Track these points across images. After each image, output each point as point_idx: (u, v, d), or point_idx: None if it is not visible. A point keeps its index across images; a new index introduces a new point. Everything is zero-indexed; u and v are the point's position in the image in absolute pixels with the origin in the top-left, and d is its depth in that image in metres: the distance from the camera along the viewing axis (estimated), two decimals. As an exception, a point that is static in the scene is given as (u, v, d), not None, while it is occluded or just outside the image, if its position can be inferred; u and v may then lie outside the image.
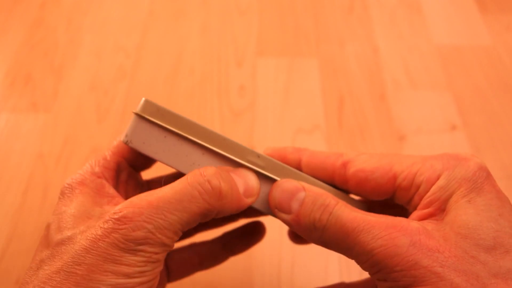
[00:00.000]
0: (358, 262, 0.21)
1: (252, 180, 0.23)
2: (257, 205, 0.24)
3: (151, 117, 0.23)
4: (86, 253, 0.20)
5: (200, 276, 0.38)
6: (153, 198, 0.21)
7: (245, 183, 0.23)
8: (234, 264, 0.39)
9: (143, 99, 0.24)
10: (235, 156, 0.24)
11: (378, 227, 0.20)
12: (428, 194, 0.21)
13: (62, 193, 0.24)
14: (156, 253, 0.21)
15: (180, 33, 0.56)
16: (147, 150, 0.24)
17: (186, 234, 0.30)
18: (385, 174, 0.23)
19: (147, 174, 0.29)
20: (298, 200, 0.22)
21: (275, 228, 0.40)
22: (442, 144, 0.47)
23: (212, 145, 0.24)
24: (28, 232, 0.40)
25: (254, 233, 0.29)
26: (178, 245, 0.28)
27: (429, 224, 0.20)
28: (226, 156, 0.23)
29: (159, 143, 0.24)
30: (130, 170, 0.27)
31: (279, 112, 0.49)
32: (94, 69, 0.52)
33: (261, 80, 0.52)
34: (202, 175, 0.22)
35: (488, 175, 0.21)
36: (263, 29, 0.57)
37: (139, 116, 0.23)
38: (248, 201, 0.23)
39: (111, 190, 0.24)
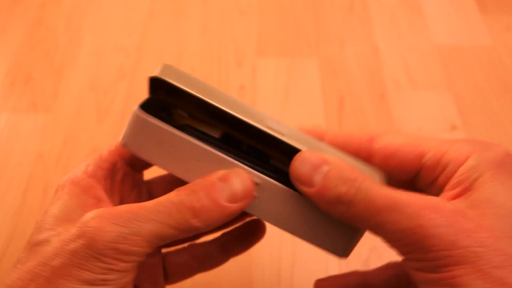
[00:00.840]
0: (387, 240, 0.20)
1: (237, 185, 0.22)
2: (259, 207, 0.23)
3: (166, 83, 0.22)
4: (54, 256, 0.20)
5: (200, 275, 0.38)
6: (128, 208, 0.21)
7: (230, 189, 0.22)
8: (234, 264, 0.39)
9: (162, 64, 0.23)
10: (254, 122, 0.23)
11: (412, 207, 0.19)
12: (457, 174, 0.21)
13: (55, 191, 0.24)
14: (123, 261, 0.20)
15: (180, 33, 0.56)
16: (142, 154, 0.23)
17: (192, 238, 0.30)
18: (412, 150, 0.23)
19: (149, 174, 0.28)
20: (321, 173, 0.21)
21: (275, 228, 0.40)
22: (442, 144, 0.47)
23: (232, 110, 0.23)
24: (28, 232, 0.40)
25: (253, 233, 0.28)
26: (175, 247, 0.29)
27: (461, 204, 0.20)
28: (223, 156, 0.23)
29: (155, 147, 0.23)
30: (127, 170, 0.26)
31: (279, 112, 0.49)
32: (94, 69, 0.52)
33: (261, 80, 0.52)
34: (178, 194, 0.21)
35: None
36: (263, 29, 0.57)
37: (136, 115, 0.23)
38: (234, 206, 0.22)
39: (99, 192, 0.24)
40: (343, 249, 0.24)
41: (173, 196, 0.22)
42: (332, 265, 0.39)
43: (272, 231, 0.40)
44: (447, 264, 0.18)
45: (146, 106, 0.23)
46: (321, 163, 0.21)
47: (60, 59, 0.54)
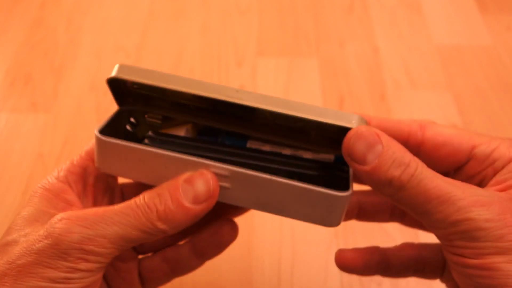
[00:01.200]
0: (431, 226, 0.21)
1: (201, 186, 0.22)
2: (229, 200, 0.24)
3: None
4: (21, 255, 0.21)
5: (200, 276, 0.38)
6: (95, 211, 0.22)
7: (194, 191, 0.22)
8: (234, 264, 0.39)
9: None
10: (212, 94, 0.23)
11: (465, 201, 0.20)
12: (505, 170, 0.22)
13: (29, 198, 0.25)
14: (87, 261, 0.21)
15: (180, 33, 0.56)
16: (115, 172, 0.25)
17: (172, 241, 0.29)
18: (464, 141, 0.24)
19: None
20: (375, 152, 0.21)
21: (275, 228, 0.40)
22: (442, 144, 0.47)
23: (188, 89, 0.23)
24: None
25: (224, 235, 0.27)
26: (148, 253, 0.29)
27: (507, 200, 0.21)
28: (188, 158, 0.23)
29: (124, 163, 0.24)
30: (99, 174, 0.27)
31: (279, 112, 0.49)
32: (94, 69, 0.52)
33: (261, 80, 0.52)
34: (144, 197, 0.22)
35: None
36: (263, 29, 0.57)
37: (97, 138, 0.24)
38: (198, 208, 0.22)
39: (70, 196, 0.25)
40: (331, 219, 0.24)
41: (139, 199, 0.22)
42: (332, 265, 0.39)
43: (272, 231, 0.41)
44: (490, 253, 0.20)
45: (107, 126, 0.25)
46: (375, 141, 0.21)
47: (60, 59, 0.53)
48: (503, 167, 0.22)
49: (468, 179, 0.24)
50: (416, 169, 0.20)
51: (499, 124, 0.48)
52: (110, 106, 0.49)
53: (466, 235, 0.20)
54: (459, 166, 0.24)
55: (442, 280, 0.28)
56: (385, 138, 0.21)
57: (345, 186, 0.23)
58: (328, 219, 0.23)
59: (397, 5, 0.60)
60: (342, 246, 0.40)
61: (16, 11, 0.58)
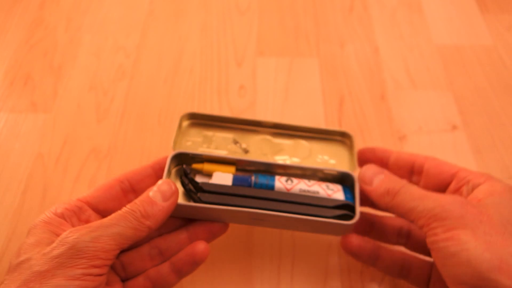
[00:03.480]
0: (415, 218, 0.29)
1: (165, 188, 0.31)
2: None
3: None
4: (40, 264, 0.26)
5: (200, 276, 0.38)
6: (94, 222, 0.28)
7: (161, 191, 0.31)
8: (234, 264, 0.39)
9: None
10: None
11: (436, 196, 0.29)
12: (467, 185, 0.32)
13: (28, 231, 0.29)
14: (98, 258, 0.27)
15: (180, 33, 0.56)
16: (183, 216, 0.34)
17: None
18: (449, 168, 0.33)
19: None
20: (379, 177, 0.33)
21: (274, 229, 0.40)
22: (442, 144, 0.47)
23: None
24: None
25: (197, 253, 0.32)
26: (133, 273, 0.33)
27: (466, 198, 0.30)
28: (232, 209, 0.32)
29: (189, 212, 0.34)
30: (91, 213, 0.32)
31: (279, 112, 0.49)
32: (94, 69, 0.52)
33: (261, 80, 0.52)
34: (128, 206, 0.30)
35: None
36: (263, 29, 0.57)
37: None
38: (168, 203, 0.30)
39: (67, 228, 0.29)
40: (342, 234, 0.34)
41: (125, 208, 0.29)
42: (332, 265, 0.39)
43: (272, 231, 0.40)
44: (454, 228, 0.27)
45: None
46: (379, 172, 0.33)
47: (60, 59, 0.53)
48: (471, 185, 0.31)
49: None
50: (405, 183, 0.31)
51: (499, 124, 0.48)
52: (109, 106, 0.49)
53: (438, 216, 0.28)
54: (447, 184, 0.33)
55: None
56: (386, 171, 0.33)
57: (352, 215, 0.33)
58: (340, 234, 0.34)
59: (397, 4, 0.60)
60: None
61: (15, 11, 0.58)
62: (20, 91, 0.50)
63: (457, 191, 0.32)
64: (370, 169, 0.33)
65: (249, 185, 0.35)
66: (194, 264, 0.32)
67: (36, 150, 0.45)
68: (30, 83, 0.51)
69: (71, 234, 0.27)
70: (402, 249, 0.36)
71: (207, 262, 0.37)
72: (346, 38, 0.56)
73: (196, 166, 0.36)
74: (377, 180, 0.32)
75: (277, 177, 0.35)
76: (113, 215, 0.29)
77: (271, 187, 0.35)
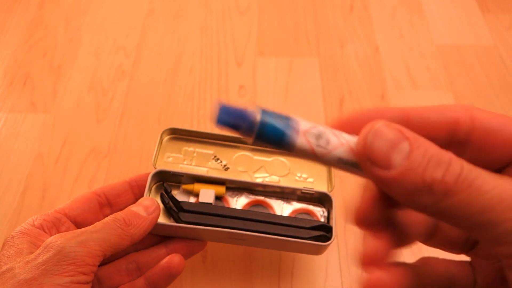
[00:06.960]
0: (493, 242, 0.16)
1: (148, 203, 0.31)
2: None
3: None
4: (25, 272, 0.25)
5: (200, 276, 0.38)
6: (78, 230, 0.28)
7: (144, 205, 0.31)
8: (234, 264, 0.38)
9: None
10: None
11: None
12: None
13: (4, 243, 0.28)
14: (85, 263, 0.26)
15: (180, 33, 0.56)
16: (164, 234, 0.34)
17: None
18: None
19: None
20: (401, 151, 0.16)
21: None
22: (443, 144, 0.46)
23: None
24: (26, 232, 0.40)
25: (173, 266, 0.32)
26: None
27: None
28: (212, 229, 0.33)
29: (170, 231, 0.34)
30: (70, 224, 0.32)
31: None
32: (93, 69, 0.52)
33: (261, 80, 0.51)
34: (112, 215, 0.30)
35: None
36: (263, 29, 0.57)
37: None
38: (151, 216, 0.31)
39: (46, 238, 0.28)
40: (319, 253, 0.35)
41: (109, 217, 0.29)
42: (332, 265, 0.39)
43: (272, 232, 0.40)
44: None
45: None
46: (399, 138, 0.16)
47: (59, 59, 0.53)
48: None
49: None
50: (463, 168, 0.15)
51: (500, 124, 0.48)
52: (109, 106, 0.49)
53: None
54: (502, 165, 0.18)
55: None
56: (410, 133, 0.16)
57: (329, 236, 0.33)
58: (317, 254, 0.35)
59: (397, 4, 0.60)
60: (342, 247, 0.39)
61: (15, 11, 0.58)
62: (19, 91, 0.50)
63: None
64: (382, 133, 0.16)
65: (251, 127, 0.18)
66: (170, 277, 0.32)
67: (35, 150, 0.45)
68: (29, 83, 0.51)
69: (56, 239, 0.26)
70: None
71: (207, 262, 0.37)
72: (346, 38, 0.56)
73: (186, 187, 0.36)
74: (399, 156, 0.16)
75: (296, 125, 0.20)
76: (97, 223, 0.29)
77: (287, 144, 0.19)
